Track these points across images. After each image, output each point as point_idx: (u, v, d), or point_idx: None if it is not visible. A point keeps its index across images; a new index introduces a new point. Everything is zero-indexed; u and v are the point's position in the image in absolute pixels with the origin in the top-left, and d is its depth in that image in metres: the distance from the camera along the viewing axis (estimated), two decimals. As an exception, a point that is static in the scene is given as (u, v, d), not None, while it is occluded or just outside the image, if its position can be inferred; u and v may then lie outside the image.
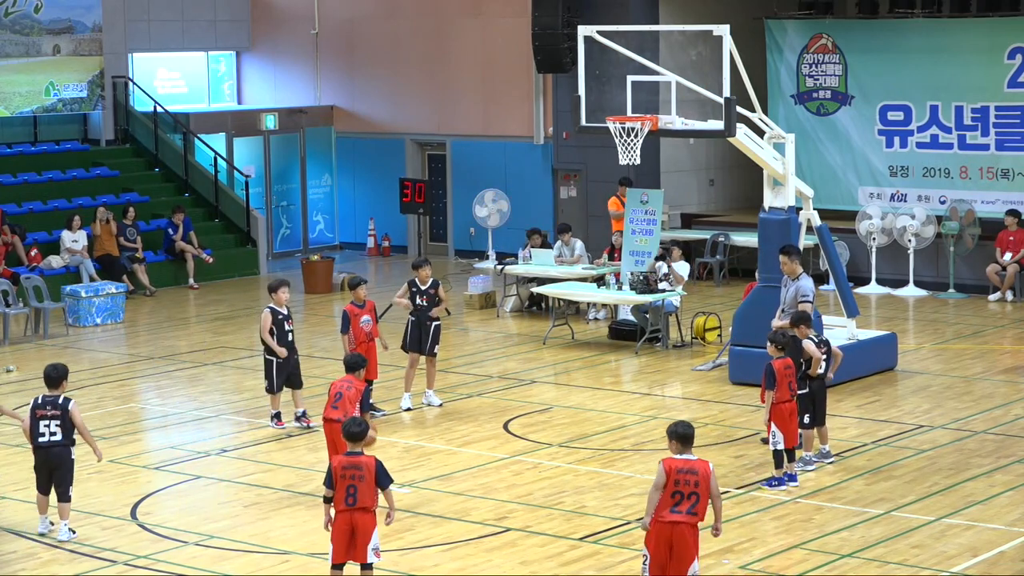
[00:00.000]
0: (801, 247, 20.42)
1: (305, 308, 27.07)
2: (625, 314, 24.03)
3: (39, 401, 14.51)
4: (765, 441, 16.25)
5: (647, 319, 23.14)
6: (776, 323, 18.10)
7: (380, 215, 33.80)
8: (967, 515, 14.81)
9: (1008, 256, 26.93)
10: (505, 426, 18.67)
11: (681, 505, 11.68)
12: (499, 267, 26.50)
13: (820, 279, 24.07)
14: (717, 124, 20.44)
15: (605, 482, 16.18)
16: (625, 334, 23.68)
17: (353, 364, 15.69)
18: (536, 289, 25.30)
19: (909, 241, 27.63)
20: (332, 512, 12.44)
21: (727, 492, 15.60)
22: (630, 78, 20.84)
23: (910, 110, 28.62)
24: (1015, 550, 13.83)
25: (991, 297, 26.98)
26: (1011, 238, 27.00)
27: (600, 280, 24.75)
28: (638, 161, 20.81)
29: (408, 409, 19.45)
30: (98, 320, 25.90)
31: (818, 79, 29.51)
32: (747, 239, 28.07)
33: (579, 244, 26.28)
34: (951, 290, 27.55)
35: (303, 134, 34.41)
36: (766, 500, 15.43)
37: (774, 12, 29.85)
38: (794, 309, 17.83)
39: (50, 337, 24.91)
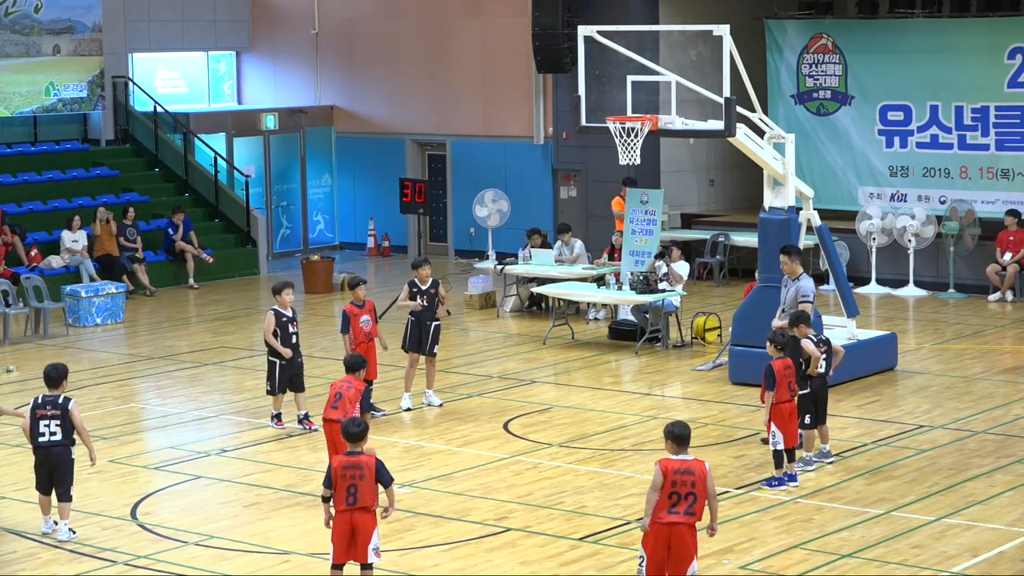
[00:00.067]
0: (801, 247, 20.41)
1: (305, 308, 27.05)
2: (625, 314, 24.03)
3: (39, 401, 14.51)
4: (765, 441, 16.25)
5: (647, 319, 23.14)
6: (776, 323, 18.10)
7: (380, 215, 33.80)
8: (967, 515, 14.81)
9: (1008, 256, 26.93)
10: (505, 426, 18.67)
11: (679, 506, 11.68)
12: (499, 267, 26.50)
13: (820, 279, 24.05)
14: (717, 124, 20.44)
15: (605, 482, 16.18)
16: (625, 334, 23.68)
17: (353, 364, 15.70)
18: (536, 289, 25.30)
19: (909, 241, 27.63)
20: (332, 510, 12.45)
21: (727, 492, 15.61)
22: (630, 78, 20.84)
23: (910, 110, 28.62)
24: (1015, 550, 13.83)
25: (991, 297, 26.98)
26: (1011, 238, 27.00)
27: (600, 280, 24.76)
28: (638, 161, 20.80)
29: (408, 409, 19.45)
30: (98, 320, 25.90)
31: (818, 79, 29.51)
32: (747, 239, 28.07)
33: (578, 244, 26.29)
34: (951, 290, 27.55)
35: (303, 134, 34.41)
36: (766, 500, 15.43)
37: (774, 12, 29.85)
38: (794, 309, 17.83)
39: (50, 337, 24.91)
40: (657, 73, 21.17)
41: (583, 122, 21.41)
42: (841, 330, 21.13)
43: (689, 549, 11.71)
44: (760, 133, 20.91)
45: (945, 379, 20.92)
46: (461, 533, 14.60)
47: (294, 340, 18.47)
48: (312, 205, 34.65)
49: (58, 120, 31.88)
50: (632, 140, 20.58)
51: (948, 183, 28.33)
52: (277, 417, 18.66)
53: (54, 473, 14.46)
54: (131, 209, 29.61)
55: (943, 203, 28.06)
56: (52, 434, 14.40)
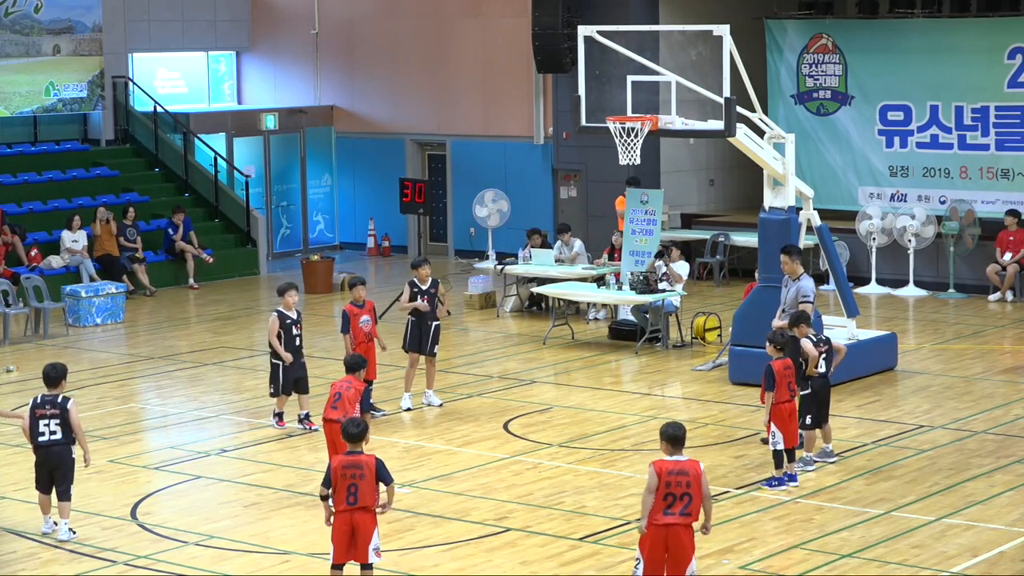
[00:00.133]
0: (801, 247, 20.41)
1: (305, 308, 27.03)
2: (625, 314, 24.03)
3: (38, 400, 14.51)
4: (765, 441, 16.25)
5: (647, 319, 23.14)
6: (776, 323, 18.10)
7: (380, 215, 33.80)
8: (967, 515, 14.81)
9: (1008, 256, 26.93)
10: (505, 426, 18.67)
11: (674, 507, 11.68)
12: (499, 267, 26.50)
13: (820, 279, 24.05)
14: (717, 124, 20.44)
15: (605, 482, 16.18)
16: (625, 334, 23.68)
17: (353, 365, 15.70)
18: (536, 289, 25.30)
19: (909, 241, 27.63)
20: (332, 506, 12.44)
21: (727, 492, 15.62)
22: (630, 78, 20.84)
23: (910, 110, 28.62)
24: (1015, 550, 13.83)
25: (991, 297, 26.98)
26: (1011, 238, 27.00)
27: (600, 280, 24.76)
28: (638, 161, 20.80)
29: (408, 409, 19.45)
30: (98, 320, 25.90)
31: (818, 79, 29.51)
32: (747, 239, 28.07)
33: (578, 243, 26.30)
34: (951, 290, 27.55)
35: (303, 134, 34.41)
36: (766, 500, 15.43)
37: (774, 12, 29.85)
38: (795, 309, 17.83)
39: (50, 337, 24.91)
40: (657, 73, 21.16)
41: (583, 122, 21.41)
42: (841, 330, 21.12)
43: (687, 550, 11.71)
44: (760, 133, 20.91)
45: (945, 379, 20.92)
46: (461, 533, 14.60)
47: (297, 343, 18.45)
48: (312, 205, 34.65)
49: (58, 120, 31.88)
50: (632, 140, 20.58)
51: (948, 183, 28.33)
52: (279, 416, 18.66)
53: (54, 472, 14.47)
54: (131, 209, 29.61)
55: (943, 203, 28.06)
56: (52, 433, 14.40)
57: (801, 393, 16.19)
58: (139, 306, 27.77)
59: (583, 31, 21.26)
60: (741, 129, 20.33)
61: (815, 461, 16.52)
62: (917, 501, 15.33)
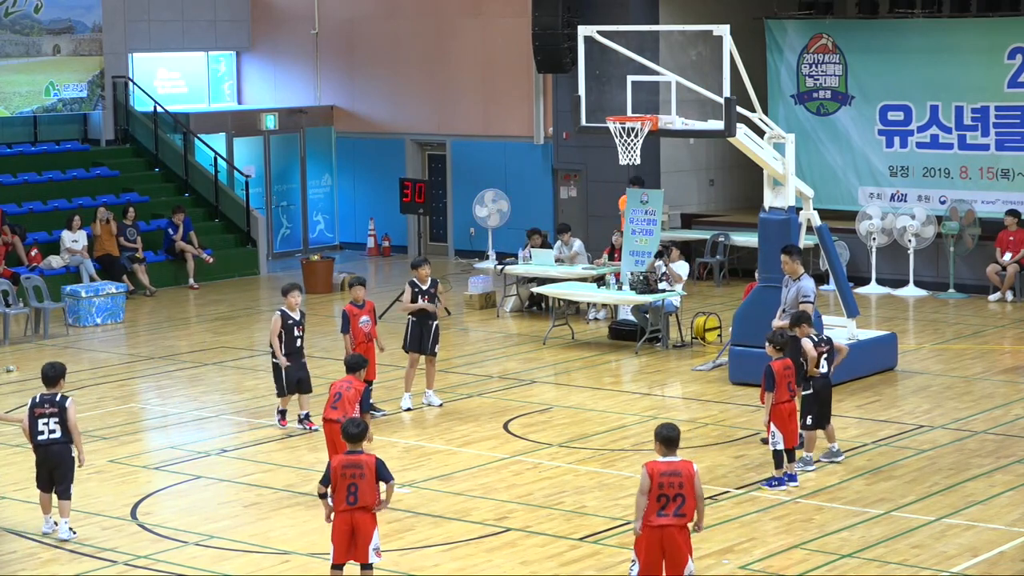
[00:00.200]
0: (801, 247, 20.41)
1: (305, 308, 27.03)
2: (625, 314, 24.03)
3: (37, 400, 14.52)
4: (765, 441, 16.25)
5: (647, 319, 23.14)
6: (777, 323, 18.10)
7: (380, 215, 33.80)
8: (967, 515, 14.81)
9: (1008, 256, 26.93)
10: (505, 426, 18.67)
11: (668, 508, 11.69)
12: (499, 267, 26.50)
13: (820, 279, 24.04)
14: (717, 124, 20.44)
15: (605, 482, 16.18)
16: (625, 334, 23.68)
17: (354, 365, 15.70)
18: (536, 289, 25.30)
19: (909, 241, 27.63)
20: (331, 501, 12.43)
21: (727, 492, 15.62)
22: (630, 78, 20.83)
23: (910, 110, 28.62)
24: (1015, 550, 13.83)
25: (991, 297, 26.98)
26: (1011, 238, 27.00)
27: (600, 280, 24.76)
28: (638, 161, 20.80)
29: (408, 409, 19.45)
30: (98, 320, 25.90)
31: (818, 79, 29.51)
32: (747, 239, 28.07)
33: (577, 242, 26.30)
34: (951, 290, 27.55)
35: (303, 134, 34.41)
36: (766, 500, 15.43)
37: (774, 12, 29.85)
38: (795, 309, 17.84)
39: (50, 337, 24.91)
40: (657, 73, 21.16)
41: (583, 122, 21.41)
42: (841, 330, 21.12)
43: (682, 550, 11.72)
44: (760, 133, 20.91)
45: (945, 379, 20.92)
46: (461, 533, 14.60)
47: (298, 344, 18.45)
48: (312, 205, 34.65)
49: (58, 120, 31.88)
50: (632, 140, 20.58)
51: (948, 183, 28.33)
52: (282, 415, 18.66)
53: (54, 472, 14.47)
54: (131, 209, 29.61)
55: (943, 203, 28.06)
56: (51, 432, 14.41)
57: (803, 393, 16.19)
58: (139, 306, 27.77)
59: (583, 31, 21.26)
60: (741, 129, 20.33)
61: (822, 462, 16.51)
62: (917, 501, 15.33)
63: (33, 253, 28.03)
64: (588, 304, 25.54)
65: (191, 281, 29.78)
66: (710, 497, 15.38)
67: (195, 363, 22.81)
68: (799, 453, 16.20)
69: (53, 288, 26.01)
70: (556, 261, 25.86)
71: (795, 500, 15.43)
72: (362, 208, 34.32)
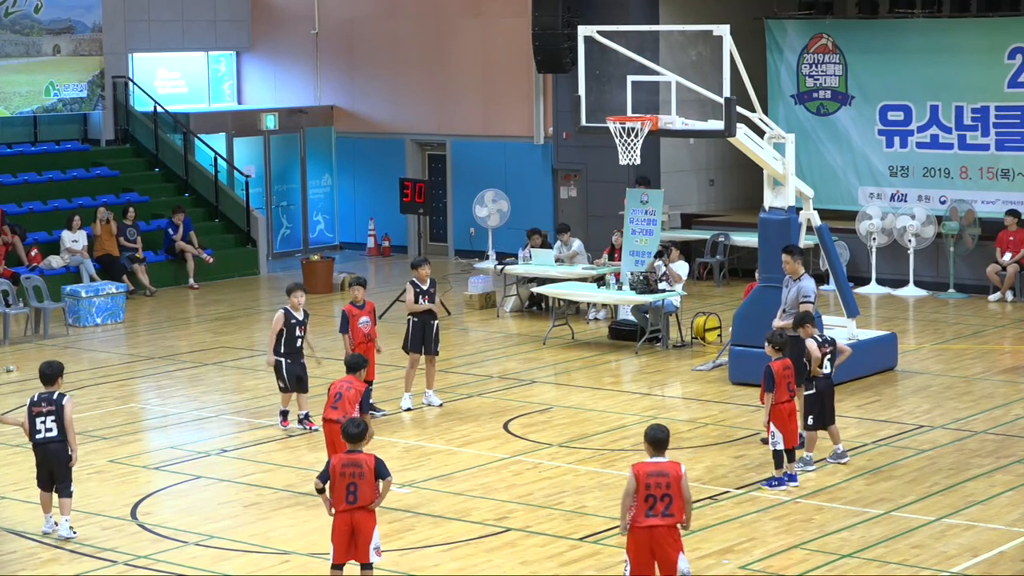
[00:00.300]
0: (801, 247, 20.41)
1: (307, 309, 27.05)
2: (625, 314, 24.03)
3: (35, 399, 14.53)
4: (765, 441, 16.25)
5: (647, 319, 23.14)
6: (777, 323, 18.10)
7: (380, 215, 33.80)
8: (967, 515, 14.81)
9: (1008, 256, 26.93)
10: (505, 426, 18.67)
11: (655, 508, 11.71)
12: (499, 267, 26.50)
13: (820, 279, 24.03)
14: (717, 124, 20.44)
15: (605, 482, 16.18)
16: (625, 334, 23.68)
17: (354, 365, 15.70)
18: (536, 289, 25.30)
19: (909, 241, 27.63)
20: (330, 496, 12.42)
21: (727, 492, 15.62)
22: (630, 78, 20.83)
23: (910, 110, 28.62)
24: (1015, 550, 13.83)
25: (991, 297, 26.98)
26: (1011, 238, 27.00)
27: (600, 280, 24.76)
28: (638, 161, 20.81)
29: (408, 409, 19.45)
30: (98, 320, 25.90)
31: (818, 79, 29.51)
32: (747, 239, 28.07)
33: (577, 242, 26.31)
34: (951, 290, 27.55)
35: (303, 134, 34.41)
36: (766, 500, 15.43)
37: (774, 12, 29.85)
38: (795, 310, 17.84)
39: (50, 337, 24.91)
40: (657, 73, 21.16)
41: (583, 122, 21.41)
42: (841, 330, 21.12)
43: (671, 550, 11.73)
44: (760, 133, 20.91)
45: (945, 379, 20.92)
46: (461, 533, 14.60)
47: (299, 344, 18.47)
48: (312, 205, 34.65)
49: (58, 120, 31.88)
50: (632, 140, 20.58)
51: (948, 183, 28.33)
52: (283, 415, 18.67)
53: (53, 471, 14.47)
54: (131, 209, 29.61)
55: (943, 203, 28.06)
56: (48, 431, 14.41)
57: (805, 393, 16.19)
58: (139, 306, 27.77)
59: (583, 31, 21.26)
60: (741, 129, 20.33)
61: (827, 462, 16.50)
62: (917, 501, 15.33)
63: (33, 253, 28.03)
64: (588, 304, 25.54)
65: (191, 281, 29.78)
66: (710, 497, 15.41)
67: (195, 363, 22.81)
68: (799, 453, 16.20)
69: (53, 288, 26.01)
70: (556, 261, 25.87)
71: (795, 500, 15.43)
72: (362, 208, 34.32)
